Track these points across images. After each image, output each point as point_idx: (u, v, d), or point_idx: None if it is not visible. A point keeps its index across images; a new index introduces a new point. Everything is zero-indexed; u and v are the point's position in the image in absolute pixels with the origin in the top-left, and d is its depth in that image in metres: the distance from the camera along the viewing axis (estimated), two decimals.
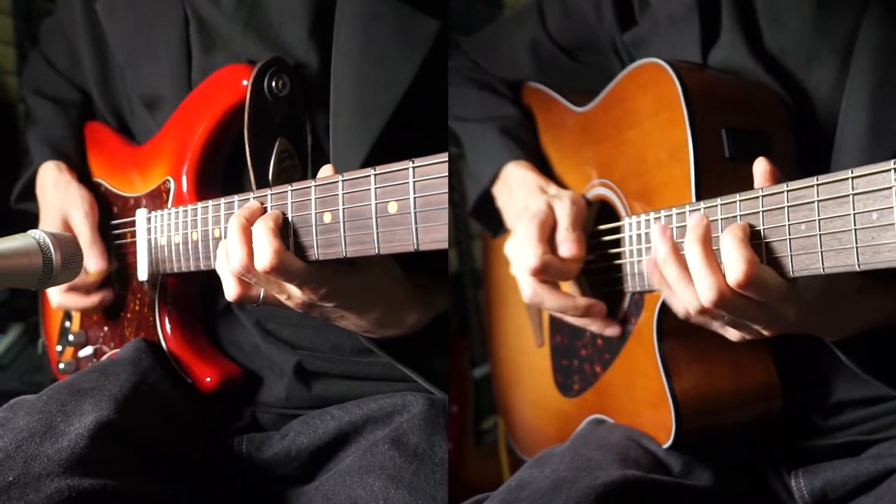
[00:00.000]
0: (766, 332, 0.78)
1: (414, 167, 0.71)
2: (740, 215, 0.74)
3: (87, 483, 0.75)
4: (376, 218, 0.74)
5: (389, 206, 0.73)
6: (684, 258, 0.76)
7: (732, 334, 0.81)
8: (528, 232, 0.97)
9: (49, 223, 1.08)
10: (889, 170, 0.60)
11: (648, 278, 0.88)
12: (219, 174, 0.99)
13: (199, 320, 1.03)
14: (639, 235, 0.90)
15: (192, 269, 0.94)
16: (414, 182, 0.71)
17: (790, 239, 0.69)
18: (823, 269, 0.66)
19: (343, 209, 0.76)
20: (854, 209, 0.62)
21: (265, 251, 0.77)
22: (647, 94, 0.90)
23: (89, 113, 1.19)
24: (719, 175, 0.83)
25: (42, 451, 0.77)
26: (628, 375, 0.96)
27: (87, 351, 1.12)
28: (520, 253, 0.98)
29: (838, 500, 0.88)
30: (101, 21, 1.07)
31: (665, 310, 0.89)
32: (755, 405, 0.91)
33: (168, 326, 1.01)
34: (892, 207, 0.60)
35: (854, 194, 0.62)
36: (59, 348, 1.18)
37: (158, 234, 0.99)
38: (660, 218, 0.86)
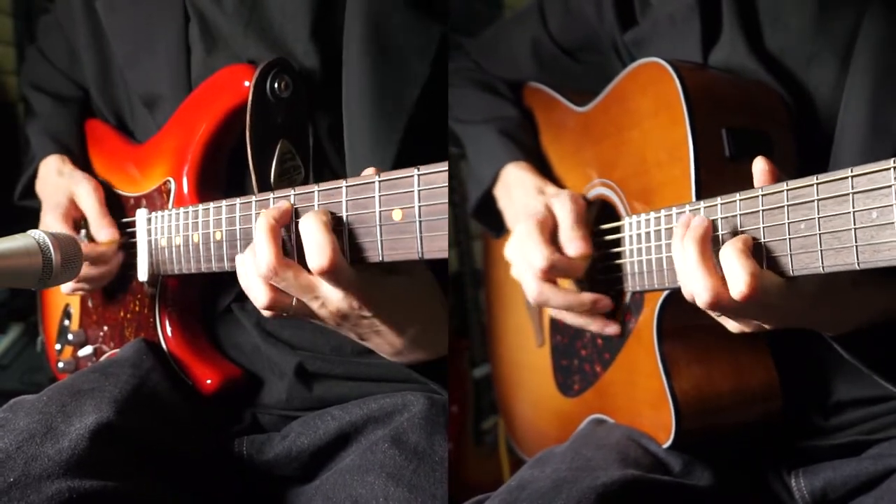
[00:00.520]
0: (766, 326, 0.78)
1: (419, 175, 0.71)
2: (740, 214, 0.74)
3: (88, 484, 0.75)
4: (380, 225, 0.73)
5: (394, 213, 0.72)
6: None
7: (732, 325, 0.81)
8: (529, 233, 0.96)
9: (53, 206, 1.07)
10: (888, 168, 0.60)
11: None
12: (220, 175, 0.99)
13: (199, 321, 1.03)
14: (639, 235, 0.90)
15: (192, 270, 0.94)
16: (419, 190, 0.71)
17: (790, 238, 0.69)
18: (823, 268, 0.66)
19: (347, 216, 0.76)
20: (854, 208, 0.63)
21: (322, 248, 0.72)
22: (648, 94, 0.91)
23: (89, 110, 1.19)
24: (719, 175, 0.83)
25: (42, 451, 0.77)
26: (628, 375, 0.97)
27: (87, 350, 1.12)
28: (523, 255, 0.98)
29: (838, 499, 0.88)
30: (100, 19, 1.07)
31: (665, 309, 0.89)
32: (755, 405, 0.91)
33: (168, 327, 1.01)
34: (891, 206, 0.60)
35: (853, 193, 0.62)
36: (58, 347, 1.18)
37: (159, 235, 0.98)
38: (660, 217, 0.86)
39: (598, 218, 1.02)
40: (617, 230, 0.96)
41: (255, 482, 0.98)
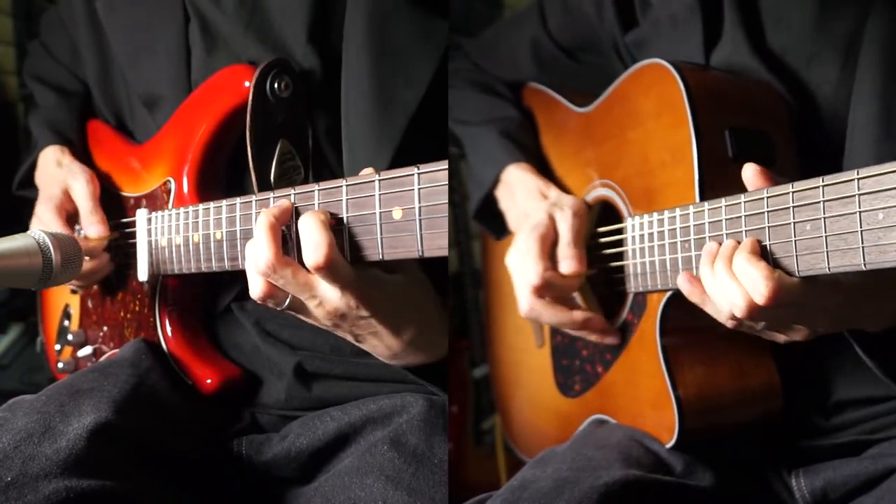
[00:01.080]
0: (820, 330, 0.77)
1: (419, 173, 0.71)
2: (745, 216, 0.74)
3: (86, 484, 0.74)
4: (380, 224, 0.73)
5: (394, 212, 0.72)
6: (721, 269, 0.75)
7: (780, 337, 0.81)
8: (528, 246, 0.97)
9: (47, 197, 1.07)
10: (895, 171, 0.60)
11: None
12: (220, 175, 0.99)
13: (199, 321, 1.03)
14: (641, 236, 0.90)
15: (192, 270, 0.94)
16: (419, 189, 0.71)
17: (795, 240, 0.69)
18: (829, 269, 0.66)
19: (347, 215, 0.76)
20: (860, 209, 0.62)
21: (318, 246, 0.73)
22: (650, 95, 0.91)
23: (91, 105, 1.19)
24: (723, 175, 0.83)
25: (40, 451, 0.76)
26: (630, 375, 0.96)
27: (87, 351, 1.11)
28: (521, 267, 0.98)
29: (839, 499, 0.89)
30: (100, 19, 1.06)
31: (668, 310, 0.89)
32: (756, 405, 0.91)
33: (168, 327, 1.00)
34: None
35: (860, 194, 0.62)
36: (57, 347, 1.17)
37: (159, 235, 0.98)
38: (663, 219, 0.86)
39: (599, 219, 1.02)
40: (619, 231, 0.96)
41: (254, 482, 0.97)
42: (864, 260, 0.62)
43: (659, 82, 0.88)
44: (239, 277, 0.98)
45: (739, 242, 0.74)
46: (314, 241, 0.73)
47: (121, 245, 1.07)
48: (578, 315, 0.97)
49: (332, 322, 0.79)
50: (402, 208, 0.72)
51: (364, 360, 0.96)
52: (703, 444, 0.90)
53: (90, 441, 0.79)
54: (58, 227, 1.03)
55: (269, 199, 0.82)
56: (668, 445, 0.89)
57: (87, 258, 1.01)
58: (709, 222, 0.79)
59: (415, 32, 0.86)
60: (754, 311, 0.72)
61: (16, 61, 1.65)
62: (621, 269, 0.95)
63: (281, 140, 0.92)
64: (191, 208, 0.93)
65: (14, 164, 1.19)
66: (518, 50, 1.20)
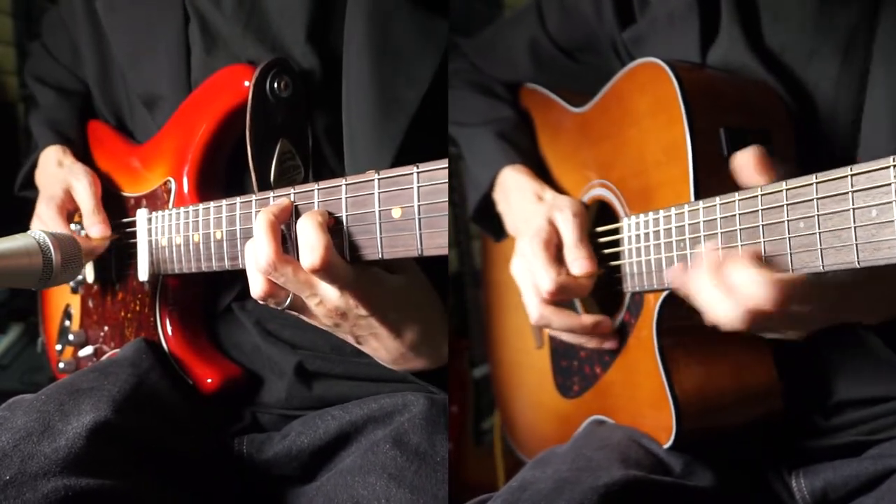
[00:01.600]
0: (813, 328, 0.77)
1: (418, 172, 0.71)
2: (739, 214, 0.74)
3: (85, 483, 0.75)
4: (380, 223, 0.74)
5: (393, 211, 0.73)
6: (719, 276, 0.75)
7: (791, 334, 0.81)
8: (535, 253, 0.96)
9: (48, 197, 1.07)
10: (888, 167, 0.60)
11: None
12: (220, 175, 0.99)
13: (199, 321, 1.03)
14: (637, 235, 0.90)
15: (192, 270, 0.94)
16: (418, 187, 0.71)
17: (789, 237, 0.69)
18: (823, 266, 0.66)
19: (346, 214, 0.76)
20: (853, 206, 0.62)
21: (314, 247, 0.73)
22: (645, 94, 0.90)
23: (91, 105, 1.19)
24: (718, 174, 0.82)
25: (39, 450, 0.77)
26: (628, 376, 0.96)
27: (87, 351, 1.12)
28: (529, 276, 0.98)
29: (839, 500, 0.88)
30: (100, 20, 1.07)
31: (665, 309, 0.89)
32: (756, 405, 0.91)
33: (168, 327, 1.01)
34: (891, 203, 0.60)
35: (853, 191, 0.62)
36: (58, 348, 1.18)
37: (159, 235, 0.99)
38: (658, 218, 0.86)
39: (596, 218, 1.02)
40: (616, 231, 0.96)
41: (255, 481, 0.98)
42: (857, 257, 0.62)
43: (654, 81, 0.88)
44: (239, 277, 0.99)
45: (730, 248, 0.75)
46: (310, 243, 0.74)
47: (121, 245, 1.07)
48: (588, 319, 0.97)
49: (333, 321, 0.79)
50: (402, 207, 0.72)
51: (365, 360, 0.96)
52: (703, 445, 0.89)
53: (89, 440, 0.79)
54: (59, 226, 1.04)
55: (268, 198, 0.83)
56: (666, 446, 0.89)
57: (88, 257, 1.02)
58: (704, 221, 0.79)
59: (416, 32, 0.86)
60: (754, 319, 0.72)
61: (16, 61, 1.66)
62: (618, 269, 0.95)
63: (281, 140, 0.92)
64: (191, 208, 0.93)
65: (14, 165, 1.19)
66: (516, 50, 1.20)
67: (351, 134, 0.87)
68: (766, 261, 0.72)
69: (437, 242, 0.71)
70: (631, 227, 0.92)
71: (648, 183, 0.91)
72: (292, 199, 0.80)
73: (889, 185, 0.60)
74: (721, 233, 0.76)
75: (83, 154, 1.15)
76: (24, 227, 1.00)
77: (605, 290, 0.99)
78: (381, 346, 0.82)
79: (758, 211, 0.72)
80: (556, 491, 0.79)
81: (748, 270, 0.71)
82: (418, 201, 0.71)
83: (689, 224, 0.81)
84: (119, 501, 0.77)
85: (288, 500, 0.95)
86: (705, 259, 0.77)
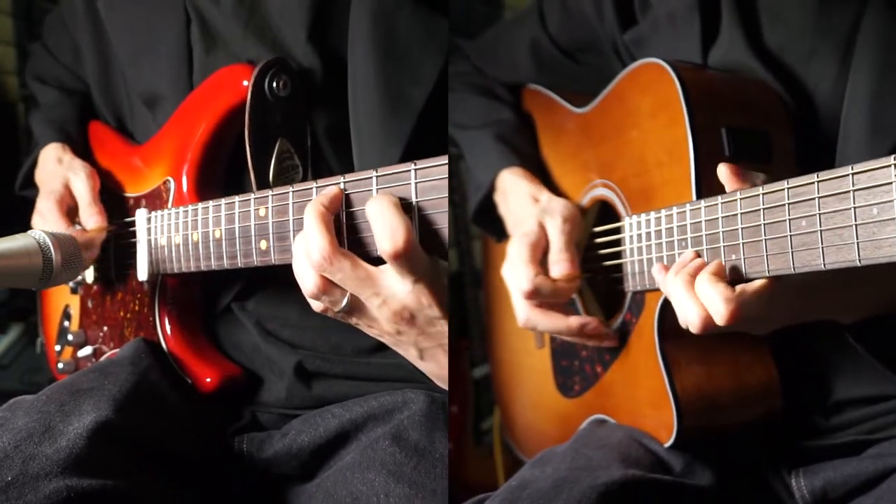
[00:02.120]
0: (776, 327, 0.79)
1: (416, 169, 0.71)
2: (741, 213, 0.74)
3: (86, 483, 0.74)
4: None
5: None
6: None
7: (755, 331, 0.83)
8: (519, 254, 0.97)
9: (48, 192, 1.07)
10: (889, 165, 0.60)
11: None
12: (219, 174, 0.99)
13: (199, 320, 1.03)
14: (639, 235, 0.90)
15: (192, 269, 0.94)
16: (416, 184, 0.71)
17: (791, 235, 0.69)
18: (824, 265, 0.66)
19: (345, 211, 0.76)
20: (854, 205, 0.63)
21: (396, 229, 0.66)
22: (647, 95, 0.91)
23: (92, 105, 1.19)
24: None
25: (40, 451, 0.77)
26: (629, 375, 0.96)
27: (87, 351, 1.11)
28: (513, 276, 0.98)
29: (839, 499, 0.88)
30: (101, 19, 1.07)
31: (666, 309, 0.89)
32: (756, 404, 0.91)
33: (168, 326, 1.00)
34: (892, 202, 0.60)
35: (854, 190, 0.63)
36: (57, 348, 1.17)
37: (158, 235, 0.98)
38: (660, 217, 0.86)
39: (598, 219, 1.02)
40: (617, 231, 0.96)
41: (255, 480, 0.98)
42: (858, 256, 0.62)
43: (655, 82, 0.88)
44: (239, 276, 0.99)
45: (706, 260, 0.77)
46: (391, 226, 0.66)
47: (121, 245, 1.07)
48: (574, 321, 0.97)
49: (397, 327, 0.71)
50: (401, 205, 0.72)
51: (364, 360, 0.97)
52: (703, 444, 0.90)
53: (90, 440, 0.79)
54: (59, 221, 1.03)
55: (267, 196, 0.83)
56: (667, 445, 0.89)
57: (86, 249, 1.01)
58: (705, 220, 0.79)
59: (419, 30, 0.86)
60: (710, 328, 0.74)
61: (16, 61, 1.65)
62: (619, 268, 0.95)
63: (279, 139, 0.92)
64: (190, 207, 0.93)
65: (15, 165, 1.19)
66: (517, 51, 1.20)
67: (359, 134, 0.87)
68: (735, 270, 0.74)
69: (437, 241, 0.71)
70: (632, 227, 0.92)
71: (650, 183, 0.91)
72: (291, 199, 0.80)
73: (890, 183, 0.60)
74: (723, 232, 0.76)
75: (84, 154, 1.15)
76: (24, 227, 1.00)
77: (607, 289, 0.99)
78: (445, 360, 0.73)
79: (759, 210, 0.72)
80: (555, 490, 0.79)
81: (707, 285, 0.73)
82: (416, 198, 0.71)
83: (691, 223, 0.81)
84: (120, 501, 0.77)
85: (288, 499, 0.95)
86: (680, 264, 0.79)
